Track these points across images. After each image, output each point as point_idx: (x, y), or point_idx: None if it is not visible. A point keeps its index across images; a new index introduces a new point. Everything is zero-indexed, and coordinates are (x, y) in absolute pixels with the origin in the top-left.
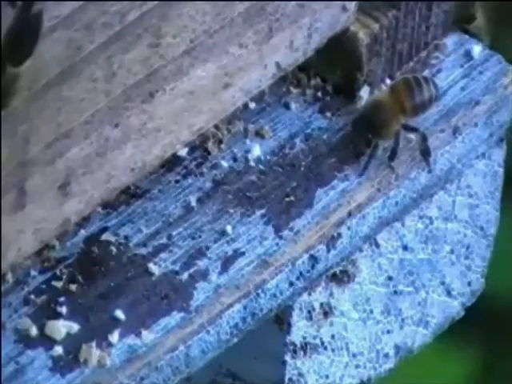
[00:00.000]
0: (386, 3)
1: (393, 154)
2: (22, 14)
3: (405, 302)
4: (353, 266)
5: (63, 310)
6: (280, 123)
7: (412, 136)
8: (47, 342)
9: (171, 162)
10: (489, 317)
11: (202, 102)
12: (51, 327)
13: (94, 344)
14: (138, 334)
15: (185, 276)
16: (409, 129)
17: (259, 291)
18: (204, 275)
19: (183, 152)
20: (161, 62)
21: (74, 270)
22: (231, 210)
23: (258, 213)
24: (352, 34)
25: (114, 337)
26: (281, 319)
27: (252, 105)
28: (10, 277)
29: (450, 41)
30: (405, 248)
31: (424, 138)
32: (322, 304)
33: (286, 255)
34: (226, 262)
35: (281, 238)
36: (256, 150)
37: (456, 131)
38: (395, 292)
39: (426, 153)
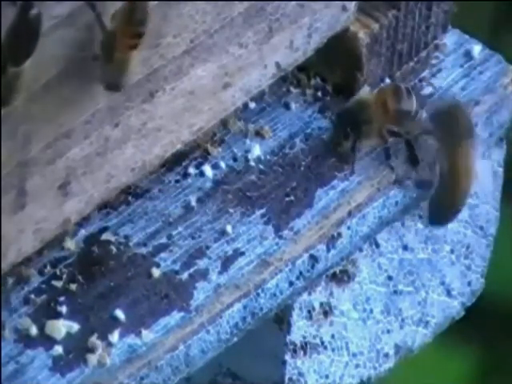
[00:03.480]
0: (385, 3)
1: (387, 153)
2: (22, 15)
3: (405, 301)
4: (353, 265)
5: (63, 309)
6: (280, 123)
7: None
8: (47, 341)
9: (171, 162)
10: (489, 317)
11: (202, 102)
12: (51, 327)
13: (94, 343)
14: (138, 334)
15: (185, 276)
16: (392, 133)
17: (259, 291)
18: (204, 275)
19: (183, 152)
20: (161, 62)
21: (73, 269)
22: (231, 210)
23: (258, 213)
24: (352, 33)
25: (114, 336)
26: (281, 319)
27: (252, 105)
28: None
29: (450, 41)
30: (405, 248)
31: (409, 145)
32: (321, 304)
33: (286, 255)
34: (226, 262)
35: (281, 237)
36: (256, 150)
37: None
38: (395, 292)
39: (413, 160)
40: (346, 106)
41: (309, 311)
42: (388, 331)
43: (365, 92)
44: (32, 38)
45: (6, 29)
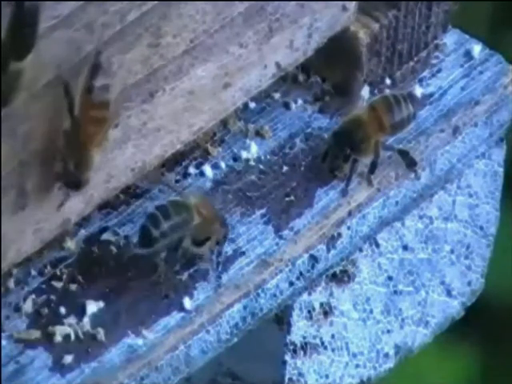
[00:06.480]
0: (385, 3)
1: (373, 167)
2: (18, 7)
3: (405, 301)
4: (353, 265)
5: (63, 309)
6: (280, 123)
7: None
8: (47, 341)
9: (171, 162)
10: (489, 317)
11: (202, 102)
12: (51, 327)
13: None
14: (138, 334)
15: (185, 276)
16: (385, 148)
17: (259, 291)
18: (204, 275)
19: (183, 152)
20: (161, 62)
21: (73, 269)
22: (231, 210)
23: (258, 213)
24: (352, 33)
25: (114, 336)
26: (281, 319)
27: (252, 105)
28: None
29: (450, 41)
30: (405, 248)
31: (403, 154)
32: (321, 304)
33: (286, 255)
34: (226, 262)
35: (281, 237)
36: (256, 150)
37: (456, 131)
38: (395, 292)
39: (411, 164)
40: (342, 127)
41: (309, 311)
42: (388, 331)
43: (358, 109)
44: (31, 28)
45: (6, 24)
